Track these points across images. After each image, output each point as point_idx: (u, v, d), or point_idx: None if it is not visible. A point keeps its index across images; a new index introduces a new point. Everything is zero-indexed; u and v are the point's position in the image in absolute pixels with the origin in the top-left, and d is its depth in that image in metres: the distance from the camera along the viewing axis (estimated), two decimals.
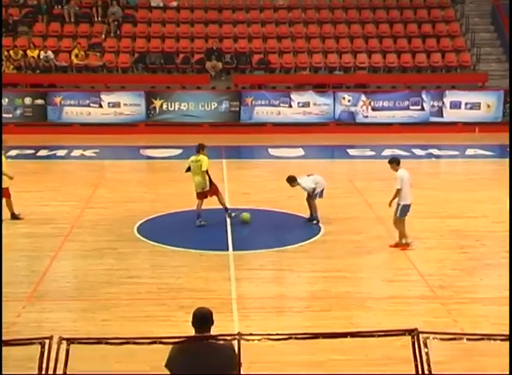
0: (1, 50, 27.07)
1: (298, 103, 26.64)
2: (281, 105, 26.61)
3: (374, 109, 26.78)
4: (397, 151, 23.07)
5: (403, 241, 13.79)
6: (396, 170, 13.60)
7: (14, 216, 15.39)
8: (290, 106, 26.61)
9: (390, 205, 13.65)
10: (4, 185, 15.16)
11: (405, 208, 13.57)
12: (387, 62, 28.43)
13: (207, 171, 15.14)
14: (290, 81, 27.98)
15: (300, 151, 23.24)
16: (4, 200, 15.31)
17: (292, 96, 26.69)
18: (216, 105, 26.54)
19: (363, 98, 26.77)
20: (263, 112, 26.57)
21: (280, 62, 28.36)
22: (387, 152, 22.91)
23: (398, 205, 13.58)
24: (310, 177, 15.46)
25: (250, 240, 14.45)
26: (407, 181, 13.54)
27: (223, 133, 24.63)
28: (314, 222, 15.27)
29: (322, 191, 15.36)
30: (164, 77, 27.71)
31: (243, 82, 27.74)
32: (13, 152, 22.58)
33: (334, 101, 26.67)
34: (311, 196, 15.31)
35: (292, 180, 15.47)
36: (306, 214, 15.70)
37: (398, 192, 13.45)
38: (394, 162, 13.80)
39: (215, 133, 23.77)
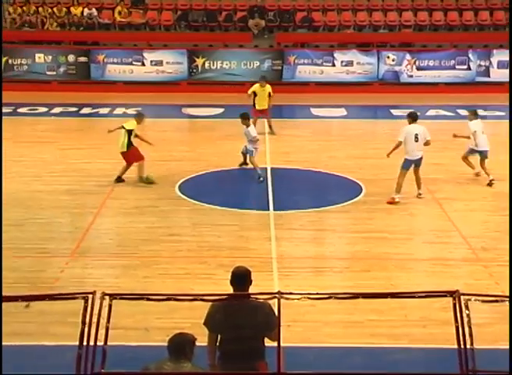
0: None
1: (341, 62, 26.29)
2: (324, 64, 26.28)
3: (419, 69, 26.31)
4: (442, 112, 22.73)
5: (394, 195, 13.90)
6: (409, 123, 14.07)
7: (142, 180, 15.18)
8: (333, 65, 26.27)
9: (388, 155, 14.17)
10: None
11: (406, 163, 13.90)
12: (433, 20, 27.85)
13: None
14: (334, 40, 27.60)
15: (343, 111, 23.01)
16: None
17: (335, 55, 26.33)
18: (258, 63, 26.33)
19: (408, 57, 26.31)
20: (306, 71, 26.29)
21: (324, 20, 27.97)
22: (431, 113, 22.58)
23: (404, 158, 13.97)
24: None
25: (290, 200, 14.41)
26: (412, 136, 13.79)
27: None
28: (261, 179, 15.18)
29: (256, 149, 15.55)
30: (206, 35, 27.56)
31: (285, 40, 27.45)
32: (57, 110, 22.80)
33: (378, 60, 26.26)
34: (250, 151, 15.44)
35: (245, 117, 15.70)
36: (347, 174, 15.69)
37: (397, 145, 13.96)
38: (409, 117, 14.23)
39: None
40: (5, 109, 22.72)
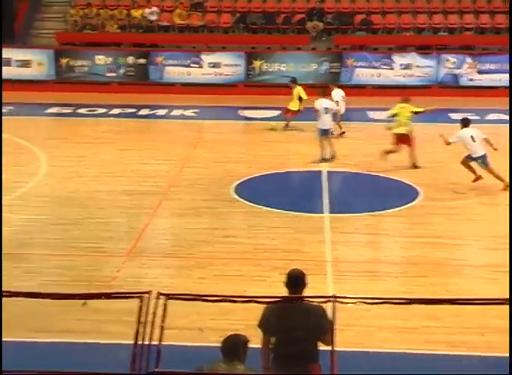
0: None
1: (400, 65, 26.05)
2: (382, 66, 26.09)
3: (479, 72, 25.90)
4: (502, 116, 22.33)
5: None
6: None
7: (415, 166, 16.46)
8: (392, 68, 26.06)
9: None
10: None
11: (478, 159, 14.94)
12: (495, 23, 27.40)
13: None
14: (393, 42, 27.36)
15: None
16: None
17: (394, 58, 26.11)
18: (316, 66, 26.27)
19: (468, 60, 25.93)
20: (363, 73, 26.14)
21: (383, 23, 27.77)
22: (491, 117, 22.22)
23: None
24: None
25: (346, 203, 14.33)
26: (468, 138, 14.80)
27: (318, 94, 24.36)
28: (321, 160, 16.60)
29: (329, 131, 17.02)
30: (264, 38, 27.61)
31: (344, 43, 27.33)
32: (116, 111, 23.11)
33: (438, 63, 25.94)
34: (325, 134, 16.94)
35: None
36: (404, 178, 15.51)
37: (447, 142, 15.24)
38: (461, 122, 15.31)
39: (314, 94, 23.49)
40: (65, 110, 23.19)
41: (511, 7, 26.08)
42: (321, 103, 17.18)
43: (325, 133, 16.98)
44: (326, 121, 17.03)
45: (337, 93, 19.79)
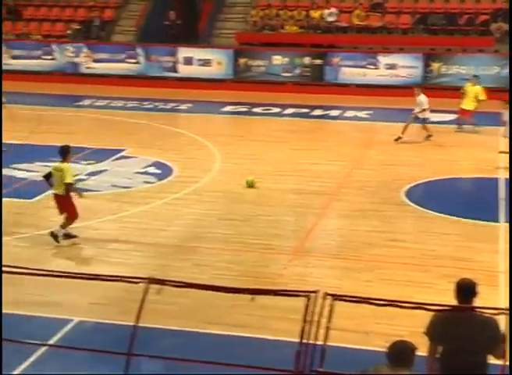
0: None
1: None
2: None
3: None
4: None
5: None
6: None
7: None
8: None
9: None
10: None
11: None
12: None
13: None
14: None
15: None
16: None
17: None
18: (498, 69, 25.28)
19: None
20: None
21: None
22: None
23: None
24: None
25: None
26: None
27: (499, 99, 23.40)
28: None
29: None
30: (444, 39, 26.88)
31: None
32: (290, 110, 23.40)
33: None
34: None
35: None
36: None
37: None
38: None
39: (492, 98, 22.67)
40: (241, 109, 23.75)
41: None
42: None
43: None
44: None
45: (425, 99, 19.47)
